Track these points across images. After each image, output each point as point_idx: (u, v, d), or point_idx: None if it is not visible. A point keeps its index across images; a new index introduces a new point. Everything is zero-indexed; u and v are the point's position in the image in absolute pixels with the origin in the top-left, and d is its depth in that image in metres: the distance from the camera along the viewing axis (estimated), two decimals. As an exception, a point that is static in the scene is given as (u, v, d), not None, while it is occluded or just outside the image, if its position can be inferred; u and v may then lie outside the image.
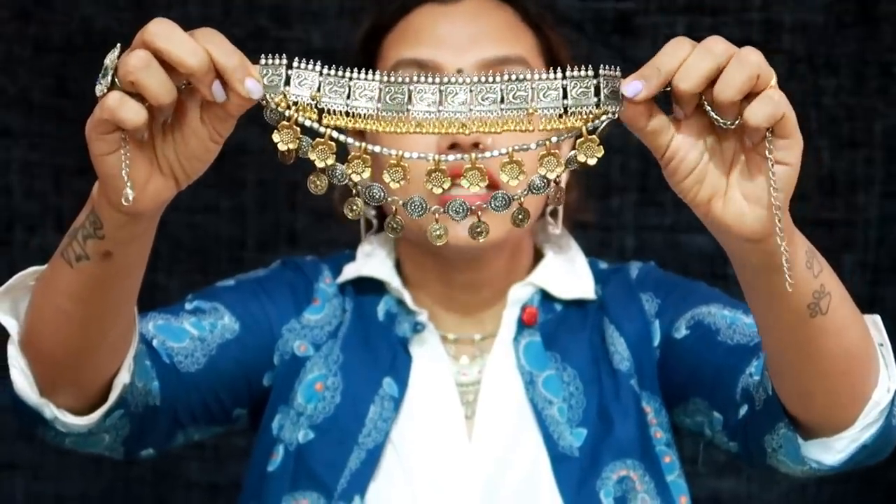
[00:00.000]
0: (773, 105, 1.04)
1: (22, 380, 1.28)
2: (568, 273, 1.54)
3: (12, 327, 1.27)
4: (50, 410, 1.29)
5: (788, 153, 1.06)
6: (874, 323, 1.27)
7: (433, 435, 1.48)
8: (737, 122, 1.06)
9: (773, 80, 1.05)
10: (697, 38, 1.06)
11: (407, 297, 1.52)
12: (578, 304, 1.54)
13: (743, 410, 1.35)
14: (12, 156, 2.35)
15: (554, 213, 1.51)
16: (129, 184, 1.06)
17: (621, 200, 2.35)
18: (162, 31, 1.05)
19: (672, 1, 2.31)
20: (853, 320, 1.21)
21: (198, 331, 1.46)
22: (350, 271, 1.55)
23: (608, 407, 1.48)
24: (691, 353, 1.45)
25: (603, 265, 1.59)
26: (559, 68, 1.07)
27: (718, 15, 2.31)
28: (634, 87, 1.05)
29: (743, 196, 1.08)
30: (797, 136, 1.07)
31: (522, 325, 1.51)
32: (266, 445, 1.50)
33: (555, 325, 1.52)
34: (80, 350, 1.25)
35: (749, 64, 1.03)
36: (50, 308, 1.23)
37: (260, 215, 2.36)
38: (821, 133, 2.29)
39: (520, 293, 1.52)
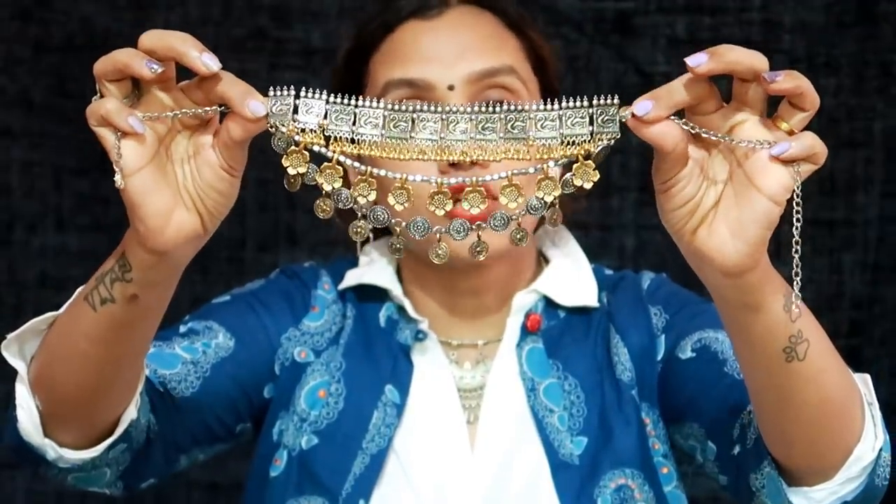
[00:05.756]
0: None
1: (27, 420, 1.29)
2: (572, 280, 1.54)
3: (22, 369, 1.28)
4: (53, 451, 1.29)
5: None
6: (864, 381, 1.27)
7: (435, 442, 1.48)
8: (725, 139, 1.10)
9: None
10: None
11: (408, 305, 1.52)
12: (582, 311, 1.53)
13: (737, 448, 1.35)
14: (12, 156, 2.35)
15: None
16: (119, 170, 1.10)
17: (621, 200, 2.35)
18: (150, 35, 1.11)
19: (672, 1, 2.31)
20: (834, 370, 1.20)
21: (190, 354, 1.46)
22: (351, 278, 1.55)
23: (609, 416, 1.47)
24: (695, 378, 1.44)
25: (608, 272, 1.59)
26: (556, 100, 1.11)
27: (718, 15, 2.31)
28: (644, 105, 1.08)
29: (727, 229, 1.11)
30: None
31: (526, 331, 1.51)
32: (268, 451, 1.50)
33: (558, 332, 1.52)
34: (96, 390, 1.26)
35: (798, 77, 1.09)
36: (68, 350, 1.24)
37: (260, 215, 2.36)
38: (821, 133, 2.29)
39: (524, 300, 1.52)
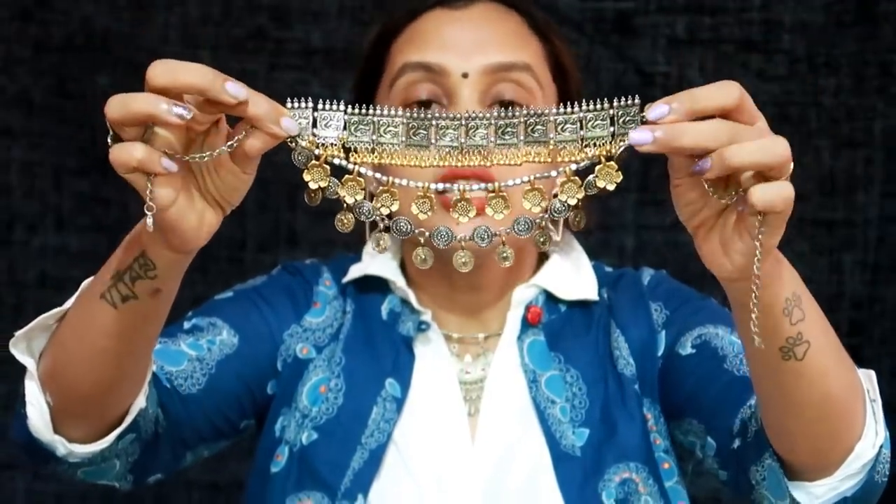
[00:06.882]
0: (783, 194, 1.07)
1: (38, 418, 1.29)
2: (572, 275, 1.55)
3: (31, 366, 1.28)
4: (63, 447, 1.30)
5: (771, 238, 1.10)
6: (868, 378, 1.28)
7: (436, 434, 1.48)
8: (733, 198, 1.10)
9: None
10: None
11: (411, 297, 1.52)
12: (583, 305, 1.54)
13: (737, 442, 1.35)
14: (12, 156, 2.35)
15: (554, 220, 1.52)
16: (152, 212, 1.10)
17: (621, 200, 2.35)
18: (161, 70, 1.07)
19: (672, 1, 2.31)
20: (837, 371, 1.21)
21: (195, 351, 1.46)
22: (356, 270, 1.56)
23: (612, 410, 1.48)
24: (695, 374, 1.45)
25: (608, 269, 1.60)
26: (576, 102, 1.11)
27: (718, 15, 2.31)
28: (659, 110, 1.07)
29: (719, 242, 1.13)
30: (782, 228, 1.10)
31: (527, 324, 1.52)
32: (269, 447, 1.51)
33: (559, 325, 1.52)
34: (111, 384, 1.27)
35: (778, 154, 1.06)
36: (85, 347, 1.24)
37: (260, 215, 2.36)
38: (821, 133, 2.29)
39: (524, 294, 1.53)
